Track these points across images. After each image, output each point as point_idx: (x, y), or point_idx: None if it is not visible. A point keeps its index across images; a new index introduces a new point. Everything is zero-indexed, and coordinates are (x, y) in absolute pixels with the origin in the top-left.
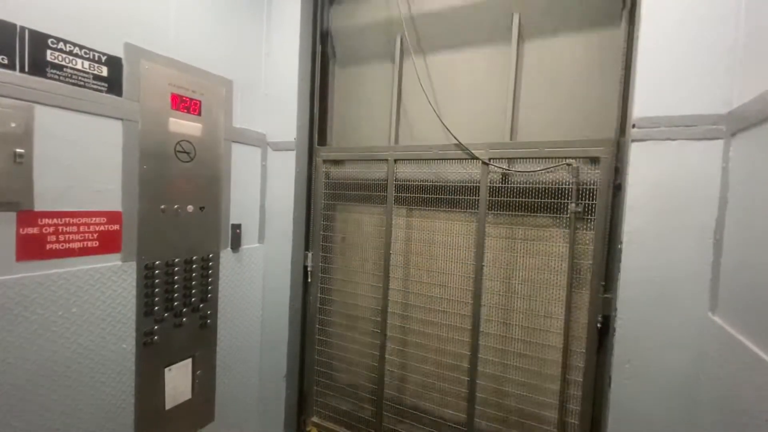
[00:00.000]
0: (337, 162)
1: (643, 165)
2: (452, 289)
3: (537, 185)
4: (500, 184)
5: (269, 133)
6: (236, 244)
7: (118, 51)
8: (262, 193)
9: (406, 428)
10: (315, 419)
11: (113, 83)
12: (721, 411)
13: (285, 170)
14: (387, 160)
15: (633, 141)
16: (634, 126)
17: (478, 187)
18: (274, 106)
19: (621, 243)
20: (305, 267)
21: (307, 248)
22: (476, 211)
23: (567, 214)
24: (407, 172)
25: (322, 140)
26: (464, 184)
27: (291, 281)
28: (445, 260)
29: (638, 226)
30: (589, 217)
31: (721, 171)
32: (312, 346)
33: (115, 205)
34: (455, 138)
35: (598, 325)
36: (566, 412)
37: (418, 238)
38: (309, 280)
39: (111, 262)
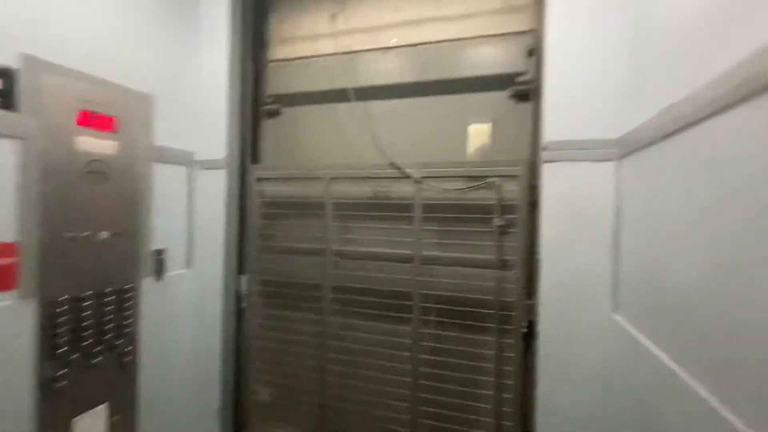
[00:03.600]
0: (272, 180)
1: (554, 183)
2: (391, 290)
3: (467, 201)
4: (433, 201)
5: (198, 150)
6: (159, 271)
7: (14, 62)
8: (190, 214)
9: None
10: None
11: (7, 97)
12: (629, 403)
13: (215, 189)
14: (323, 178)
15: (544, 162)
16: (544, 149)
17: (413, 204)
18: (203, 122)
19: (539, 254)
20: (238, 292)
21: (240, 271)
22: (411, 226)
23: (492, 228)
24: (344, 190)
25: (256, 158)
26: (400, 201)
27: (223, 308)
28: (382, 269)
29: (552, 238)
30: (513, 230)
31: (615, 188)
32: (248, 377)
33: (7, 235)
34: (390, 158)
35: (524, 330)
36: (501, 415)
37: (357, 252)
38: (244, 305)
39: (3, 301)
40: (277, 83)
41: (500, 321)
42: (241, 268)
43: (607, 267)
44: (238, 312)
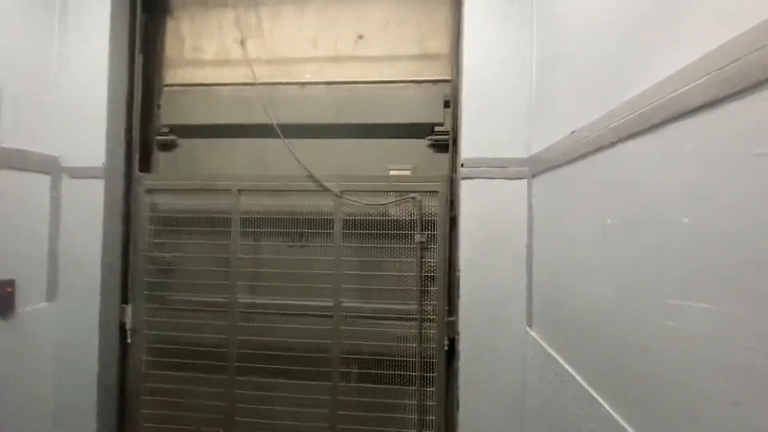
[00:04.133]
0: (167, 192)
1: (471, 199)
2: (309, 329)
3: (389, 217)
4: (354, 216)
5: (65, 155)
6: (6, 307)
7: None
8: (53, 234)
9: None
10: None
11: None
12: (544, 418)
13: (90, 203)
14: (230, 190)
15: (462, 178)
16: (462, 165)
17: (332, 219)
18: (72, 122)
19: (458, 270)
20: (123, 325)
21: (125, 301)
22: (331, 244)
23: (414, 244)
24: (255, 204)
25: (146, 166)
26: (319, 217)
27: (100, 347)
28: (302, 295)
29: (470, 253)
30: (433, 246)
31: (527, 206)
32: (136, 428)
33: None
34: (306, 170)
35: (446, 347)
36: None
37: (270, 276)
38: (129, 341)
39: None
40: (173, 111)
41: (422, 367)
42: (125, 296)
43: (522, 283)
44: (122, 350)
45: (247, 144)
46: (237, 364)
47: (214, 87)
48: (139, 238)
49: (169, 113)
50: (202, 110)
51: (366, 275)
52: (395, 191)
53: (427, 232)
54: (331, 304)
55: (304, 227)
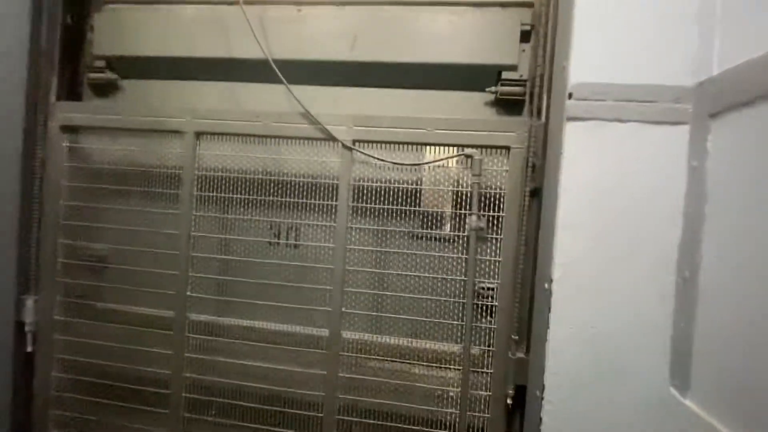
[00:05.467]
0: (93, 132)
1: (581, 157)
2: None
3: (425, 187)
4: (370, 183)
5: None
6: None
7: None
8: None
9: None
10: None
11: None
12: None
13: None
14: (183, 132)
15: (569, 120)
16: (570, 96)
17: (336, 186)
18: None
19: (549, 280)
20: (20, 325)
21: (25, 290)
22: (333, 223)
23: (464, 233)
24: (221, 156)
25: (70, 90)
26: (316, 181)
27: None
28: (287, 297)
29: (573, 254)
30: (496, 236)
31: (689, 172)
32: None
33: None
34: (301, 105)
35: (508, 401)
36: None
37: (241, 269)
38: (30, 348)
39: None
40: (113, 38)
41: (465, 385)
42: (26, 283)
43: (665, 311)
44: (19, 361)
45: (220, 90)
46: (186, 414)
47: (174, 4)
48: (50, 199)
49: (107, 40)
50: (155, 37)
51: (380, 280)
52: (439, 144)
53: (488, 214)
54: (325, 334)
55: (293, 196)
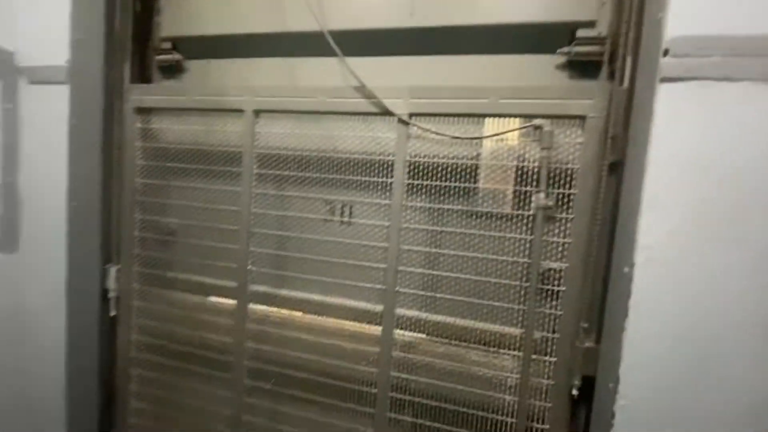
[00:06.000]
0: (164, 113)
1: (677, 127)
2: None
3: (486, 162)
4: (428, 160)
5: (23, 50)
6: None
7: None
8: (10, 162)
9: None
10: None
11: None
12: None
13: (55, 119)
14: (242, 110)
15: (663, 81)
16: (666, 53)
17: (392, 162)
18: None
19: (630, 265)
20: (105, 292)
21: (108, 260)
22: (389, 201)
23: (529, 211)
24: (280, 135)
25: (141, 72)
26: (372, 158)
27: (69, 319)
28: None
29: (662, 237)
30: (567, 215)
31: None
32: (123, 423)
33: None
34: (356, 77)
35: (574, 392)
36: None
37: (297, 244)
38: (113, 313)
39: None
40: (178, 18)
41: (526, 373)
42: (108, 255)
43: None
44: (105, 324)
45: (278, 66)
46: (247, 381)
47: None
48: (127, 177)
49: (172, 22)
50: (215, 15)
51: (435, 260)
52: (504, 115)
53: (557, 191)
54: (379, 308)
55: (349, 173)
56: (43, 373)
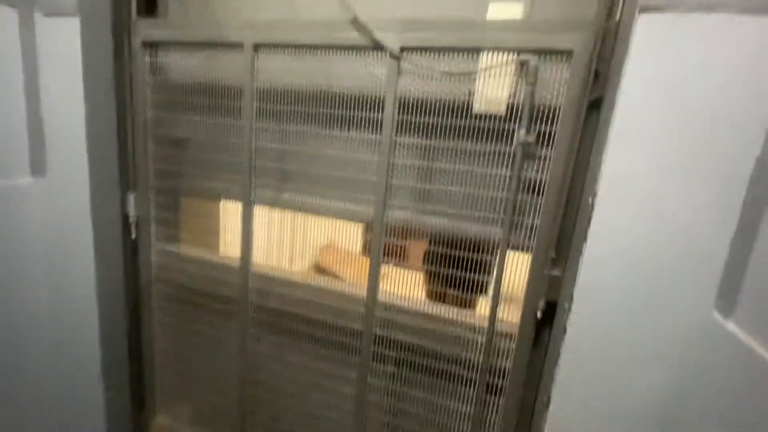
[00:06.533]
0: (171, 47)
1: (650, 58)
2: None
3: (476, 96)
4: (418, 95)
5: None
6: None
7: None
8: (32, 92)
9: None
10: (160, 420)
11: None
12: None
13: (69, 52)
14: (242, 45)
15: (642, 12)
16: None
17: (382, 98)
18: None
19: (593, 195)
20: (126, 217)
21: (127, 187)
22: (378, 135)
23: (511, 147)
24: (278, 70)
25: (147, 8)
26: (364, 92)
27: (96, 241)
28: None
29: (626, 168)
30: (546, 151)
31: None
32: (148, 330)
33: None
34: (349, 8)
35: (538, 314)
36: None
37: (298, 173)
38: (134, 236)
39: None
40: None
41: (496, 297)
42: (127, 183)
43: (721, 233)
44: (127, 246)
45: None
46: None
47: None
48: (138, 110)
49: None
50: None
51: (423, 195)
52: (493, 49)
53: (539, 127)
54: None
55: (342, 109)
56: (77, 283)
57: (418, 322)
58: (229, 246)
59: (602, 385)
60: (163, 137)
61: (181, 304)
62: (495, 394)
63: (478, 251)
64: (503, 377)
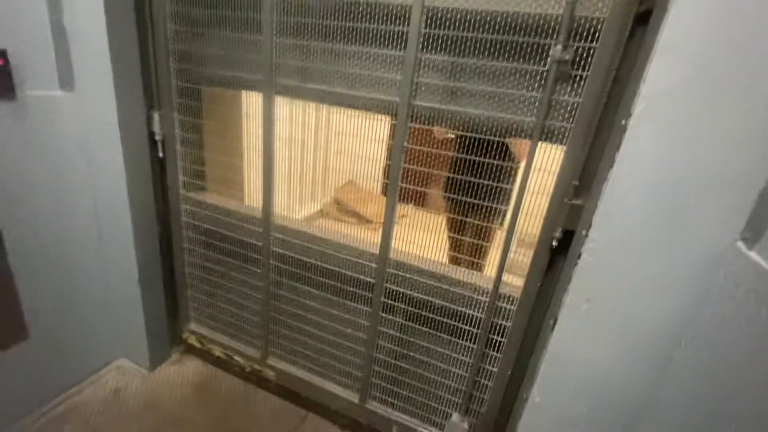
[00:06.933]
0: None
1: None
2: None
3: (506, 9)
4: (444, 8)
5: None
6: (6, 86)
7: None
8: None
9: (298, 331)
10: (193, 326)
11: None
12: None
13: None
14: None
15: None
16: None
17: (409, 11)
18: None
19: (627, 116)
20: (152, 135)
21: (151, 106)
22: (402, 52)
23: (544, 66)
24: None
25: None
26: (389, 2)
27: (126, 157)
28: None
29: (666, 85)
30: (582, 72)
31: None
32: (179, 244)
33: None
34: None
35: (554, 242)
36: (488, 347)
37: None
38: (162, 155)
39: None
40: None
41: (513, 219)
42: (151, 101)
43: (759, 156)
44: (155, 163)
45: None
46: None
47: None
48: (159, 25)
49: None
50: None
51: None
52: None
53: (576, 44)
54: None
55: (364, 22)
56: (113, 190)
57: (427, 278)
58: (253, 171)
59: (611, 309)
60: (184, 53)
61: (208, 224)
62: (504, 318)
63: (498, 178)
64: (512, 302)
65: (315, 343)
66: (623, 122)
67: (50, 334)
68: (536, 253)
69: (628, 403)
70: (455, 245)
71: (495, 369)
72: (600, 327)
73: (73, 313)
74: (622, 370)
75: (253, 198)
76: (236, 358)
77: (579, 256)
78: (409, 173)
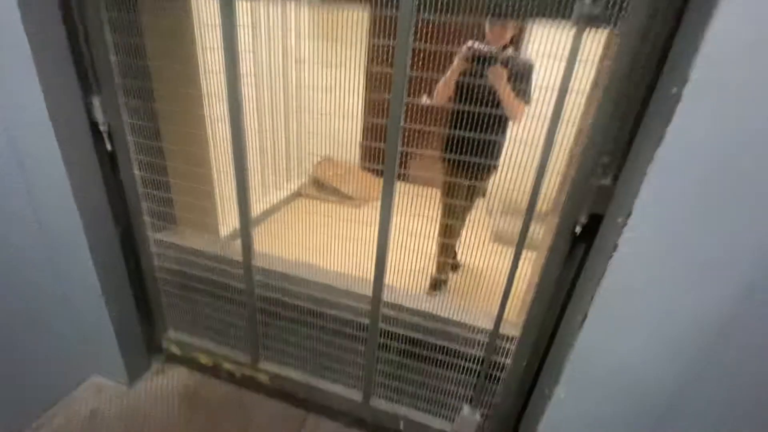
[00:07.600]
0: None
1: None
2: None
3: None
4: None
5: None
6: None
7: None
8: None
9: (285, 326)
10: (172, 334)
11: None
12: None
13: None
14: None
15: None
16: None
17: None
18: None
19: (682, 82)
20: (95, 125)
21: (89, 92)
22: (395, 12)
23: (570, 20)
24: None
25: None
26: None
27: (65, 153)
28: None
29: (733, 45)
30: (614, 28)
31: None
32: (145, 247)
33: None
34: None
35: (577, 229)
36: (500, 350)
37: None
38: (111, 147)
39: None
40: None
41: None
42: (88, 85)
43: None
44: (103, 158)
45: None
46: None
47: None
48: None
49: None
50: None
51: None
52: None
53: None
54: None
55: None
56: (57, 195)
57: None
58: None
59: (651, 304)
60: (123, 22)
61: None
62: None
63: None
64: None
65: (310, 343)
66: (674, 90)
67: (7, 361)
68: (555, 239)
69: (661, 403)
70: (448, 212)
71: (509, 361)
72: (636, 323)
73: (30, 334)
74: (657, 368)
75: (225, 190)
76: (224, 363)
77: (615, 248)
78: (408, 134)
